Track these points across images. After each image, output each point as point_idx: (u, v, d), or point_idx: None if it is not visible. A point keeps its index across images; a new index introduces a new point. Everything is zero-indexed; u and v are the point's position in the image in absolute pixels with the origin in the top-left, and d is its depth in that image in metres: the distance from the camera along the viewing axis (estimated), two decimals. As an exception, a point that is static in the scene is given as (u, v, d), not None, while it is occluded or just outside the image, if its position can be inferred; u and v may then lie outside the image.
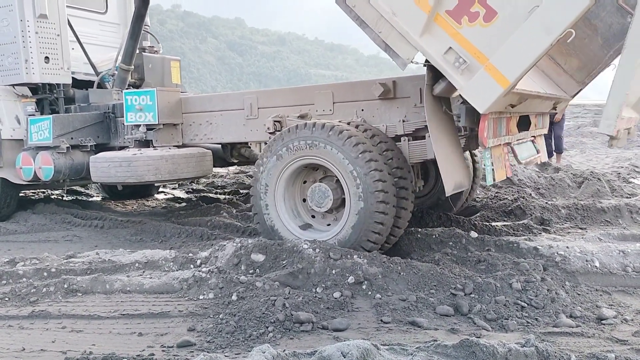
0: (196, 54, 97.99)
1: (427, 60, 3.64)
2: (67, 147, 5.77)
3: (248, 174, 9.44)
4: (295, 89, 5.04)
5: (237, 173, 9.74)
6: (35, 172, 5.78)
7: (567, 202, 6.07)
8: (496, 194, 6.88)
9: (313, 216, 4.45)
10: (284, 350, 2.44)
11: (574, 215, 5.70)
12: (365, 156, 3.96)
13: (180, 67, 7.67)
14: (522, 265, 3.81)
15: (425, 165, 4.98)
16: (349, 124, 4.23)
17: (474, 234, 4.68)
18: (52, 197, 7.96)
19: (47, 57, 5.99)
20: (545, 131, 5.54)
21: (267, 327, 3.02)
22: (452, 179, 3.83)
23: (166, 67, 7.34)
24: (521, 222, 5.43)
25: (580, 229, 5.35)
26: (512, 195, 6.73)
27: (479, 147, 3.95)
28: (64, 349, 2.87)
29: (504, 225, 5.34)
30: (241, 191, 8.13)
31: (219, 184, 8.96)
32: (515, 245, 4.35)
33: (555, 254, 4.05)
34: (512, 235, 4.98)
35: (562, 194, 7.01)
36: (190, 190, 8.60)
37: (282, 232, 4.32)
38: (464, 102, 3.67)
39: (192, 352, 2.80)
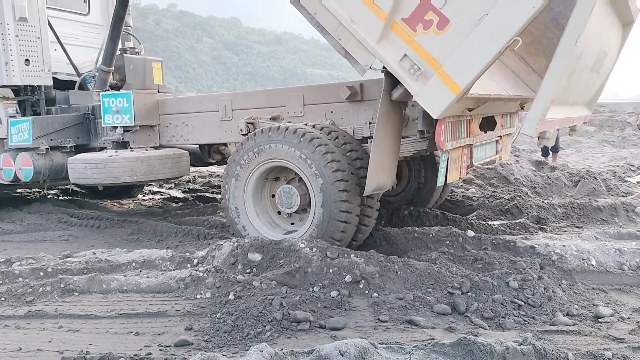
0: (192, 53, 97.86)
1: (384, 67, 3.70)
2: (47, 149, 5.81)
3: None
4: (268, 91, 5.16)
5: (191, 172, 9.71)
6: (15, 172, 5.82)
7: (564, 201, 6.09)
8: (493, 193, 6.89)
9: (279, 212, 4.57)
10: (282, 349, 2.43)
11: (570, 214, 5.71)
12: (327, 157, 4.06)
13: (163, 67, 7.65)
14: (519, 263, 3.82)
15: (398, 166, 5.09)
16: (314, 126, 4.34)
17: (470, 233, 4.69)
18: (49, 196, 7.94)
19: (27, 60, 6.01)
20: (514, 130, 5.59)
21: (265, 326, 3.01)
22: (375, 180, 3.94)
23: (147, 68, 7.33)
24: (518, 220, 5.44)
25: (577, 227, 5.37)
26: (509, 194, 6.75)
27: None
28: (61, 349, 2.86)
29: (500, 224, 5.35)
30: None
31: (216, 184, 8.95)
32: (512, 244, 4.36)
33: (552, 253, 4.06)
34: (508, 234, 4.99)
35: (558, 192, 7.03)
36: (187, 189, 8.58)
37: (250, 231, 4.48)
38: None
39: (190, 351, 2.80)
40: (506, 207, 5.94)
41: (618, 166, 9.31)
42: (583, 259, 3.97)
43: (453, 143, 3.96)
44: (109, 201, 7.79)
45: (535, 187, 7.17)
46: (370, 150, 4.20)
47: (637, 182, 7.58)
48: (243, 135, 4.71)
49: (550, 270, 3.86)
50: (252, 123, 4.75)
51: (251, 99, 5.11)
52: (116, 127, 5.54)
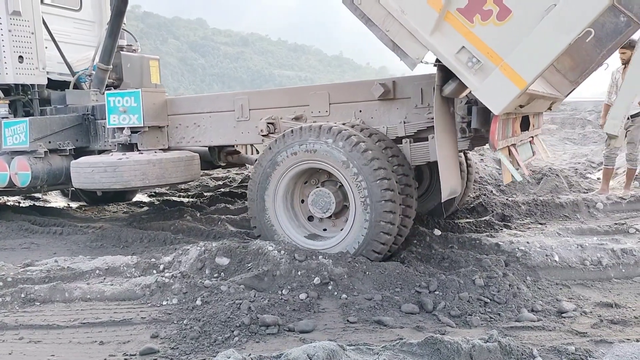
0: (157, 55, 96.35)
1: (437, 60, 3.52)
2: (45, 152, 5.50)
3: (212, 176, 9.33)
4: (289, 89, 4.89)
5: (201, 176, 9.60)
6: (10, 178, 5.49)
7: (527, 198, 6.22)
8: (459, 192, 6.97)
9: (309, 218, 4.36)
10: (250, 355, 2.41)
11: (533, 211, 5.84)
12: (374, 164, 3.85)
13: (160, 65, 7.40)
14: (484, 261, 3.88)
15: (418, 168, 4.83)
16: (353, 127, 4.12)
17: (437, 232, 4.75)
18: (9, 203, 7.70)
19: (21, 57, 5.73)
20: (540, 131, 5.45)
21: (233, 332, 2.98)
22: (449, 184, 3.75)
23: (145, 67, 7.07)
24: (483, 219, 5.53)
25: (540, 224, 5.49)
26: (474, 192, 6.85)
27: (488, 147, 3.85)
28: (22, 361, 2.78)
29: (466, 222, 5.42)
30: (205, 194, 8.03)
31: (182, 187, 8.83)
32: (477, 241, 4.43)
33: (516, 250, 4.14)
34: (474, 232, 5.06)
35: (522, 190, 7.17)
36: (152, 193, 8.44)
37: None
38: (474, 102, 3.59)
39: (156, 359, 2.75)
40: (472, 205, 6.03)
41: (579, 163, 9.54)
42: (546, 255, 4.05)
43: (503, 142, 3.79)
44: (72, 207, 7.60)
45: (499, 185, 7.30)
46: (412, 150, 4.10)
47: (598, 179, 7.79)
48: (263, 135, 4.52)
49: (515, 267, 3.94)
50: (272, 123, 4.55)
51: (271, 98, 4.85)
52: (122, 128, 5.19)
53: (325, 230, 4.33)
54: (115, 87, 6.58)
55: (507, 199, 6.22)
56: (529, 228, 5.33)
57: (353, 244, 3.94)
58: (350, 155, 3.89)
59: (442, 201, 3.86)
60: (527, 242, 4.28)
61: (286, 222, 4.25)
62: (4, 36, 5.59)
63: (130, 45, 7.23)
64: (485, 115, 3.56)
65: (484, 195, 6.54)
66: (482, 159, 8.98)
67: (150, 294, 3.54)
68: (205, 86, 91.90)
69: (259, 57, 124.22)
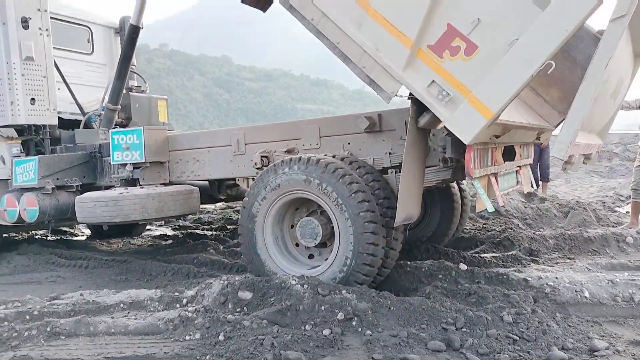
0: (183, 91, 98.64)
1: (411, 94, 3.69)
2: (53, 188, 5.70)
3: (235, 209, 9.38)
4: (282, 124, 5.06)
5: (224, 209, 9.68)
6: (19, 213, 5.69)
7: (555, 232, 6.09)
8: (484, 225, 6.89)
9: (297, 244, 4.45)
10: (273, 392, 2.37)
11: (561, 245, 5.71)
12: (352, 187, 3.96)
13: (168, 105, 7.67)
14: (512, 297, 3.79)
15: None
16: (340, 159, 4.24)
17: (463, 267, 4.66)
18: (37, 237, 7.84)
19: (33, 99, 5.97)
20: (531, 161, 5.59)
21: (256, 368, 2.94)
22: (406, 210, 3.86)
23: (153, 106, 7.35)
24: (510, 253, 5.42)
25: (569, 259, 5.36)
26: (500, 226, 6.75)
27: (466, 179, 3.95)
28: (45, 396, 2.77)
29: (493, 256, 5.33)
30: (228, 227, 8.07)
31: (206, 220, 8.89)
32: (504, 277, 4.33)
33: (545, 285, 4.04)
34: (501, 267, 4.96)
35: (549, 224, 7.05)
36: (176, 227, 8.51)
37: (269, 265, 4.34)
38: (449, 133, 3.69)
39: (179, 395, 2.72)
40: (498, 239, 5.93)
41: (607, 196, 9.37)
42: (576, 291, 3.94)
43: (481, 171, 3.91)
44: (97, 241, 7.69)
45: (526, 219, 7.19)
46: (398, 180, 4.15)
47: (627, 212, 7.62)
48: (257, 169, 4.64)
49: (544, 303, 3.83)
50: (266, 156, 4.68)
51: (265, 132, 5.03)
52: (125, 165, 5.45)
53: (311, 256, 4.43)
54: (124, 126, 6.83)
55: (534, 233, 6.10)
56: (558, 263, 5.21)
57: (337, 274, 4.02)
58: (336, 187, 3.99)
59: (394, 225, 3.94)
60: (556, 278, 4.17)
61: (274, 251, 4.35)
62: (17, 80, 5.87)
63: (139, 86, 7.57)
64: (461, 145, 3.64)
65: (510, 229, 6.44)
66: (507, 192, 8.87)
67: (173, 329, 3.53)
68: (230, 120, 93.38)
69: (282, 91, 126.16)
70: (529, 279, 4.20)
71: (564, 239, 5.80)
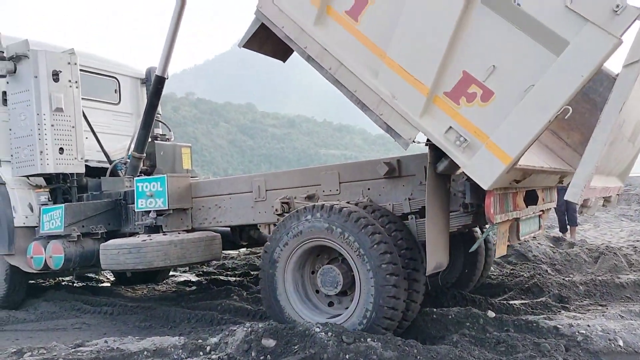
0: (208, 138, 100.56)
1: (428, 140, 3.70)
2: (78, 235, 5.78)
3: (258, 255, 9.38)
4: (302, 170, 5.09)
5: (248, 254, 9.68)
6: (45, 261, 5.76)
7: (585, 278, 5.94)
8: (512, 271, 6.75)
9: (317, 291, 4.37)
10: None
11: (592, 292, 5.55)
12: (375, 238, 3.90)
13: (192, 152, 7.78)
14: (543, 346, 3.68)
15: None
16: (363, 206, 4.20)
17: (491, 314, 4.55)
18: (63, 283, 7.92)
19: (61, 148, 6.14)
20: (554, 205, 5.50)
21: (279, 419, 2.88)
22: (435, 259, 3.79)
23: (177, 154, 7.46)
24: (539, 299, 5.28)
25: (601, 305, 5.20)
26: (528, 271, 6.60)
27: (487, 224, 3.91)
28: None
29: (521, 303, 5.19)
30: (252, 273, 8.05)
31: (230, 266, 8.89)
32: (534, 324, 4.21)
33: (577, 333, 3.91)
34: (530, 314, 4.83)
35: (578, 269, 6.87)
36: (200, 272, 8.53)
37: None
38: (468, 179, 3.68)
39: None
40: (526, 285, 5.79)
41: (638, 241, 9.13)
42: (609, 340, 3.81)
43: (502, 216, 3.87)
44: (122, 287, 7.74)
45: (554, 264, 7.02)
46: (418, 226, 4.14)
47: (660, 257, 7.39)
48: (278, 215, 4.65)
49: (576, 352, 3.71)
50: (287, 203, 4.70)
51: (285, 178, 5.03)
52: (149, 212, 5.53)
53: (331, 304, 4.35)
54: (149, 174, 6.92)
55: (563, 279, 5.95)
56: (589, 310, 5.05)
57: (357, 326, 3.93)
58: (358, 237, 3.93)
59: (427, 274, 3.87)
60: (588, 326, 4.05)
61: (295, 298, 4.29)
62: (47, 130, 6.04)
63: (164, 134, 7.71)
64: (480, 190, 3.60)
65: (539, 274, 6.29)
66: (534, 237, 8.72)
67: (196, 377, 3.49)
68: (254, 166, 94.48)
69: (305, 137, 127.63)
70: (560, 326, 4.08)
71: (595, 285, 5.65)
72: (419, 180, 4.34)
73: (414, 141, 3.72)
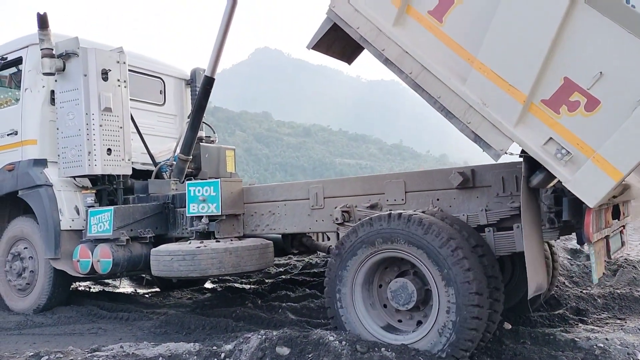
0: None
1: (522, 151, 3.45)
2: (127, 239, 5.63)
3: (276, 263, 9.37)
4: (363, 177, 4.87)
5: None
6: (92, 265, 5.62)
7: (603, 291, 5.85)
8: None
9: (385, 305, 4.15)
10: None
11: (611, 305, 5.47)
12: (458, 253, 3.65)
13: (235, 155, 7.64)
14: (560, 359, 3.63)
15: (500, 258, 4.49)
16: (440, 218, 3.95)
17: (508, 326, 4.51)
18: (80, 288, 8.00)
19: (109, 149, 6.02)
20: (630, 219, 5.10)
21: None
22: (536, 280, 3.51)
23: (222, 156, 7.32)
24: (556, 312, 5.21)
25: (619, 319, 5.12)
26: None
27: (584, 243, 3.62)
28: None
29: (538, 315, 5.13)
30: (266, 280, 8.06)
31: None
32: (551, 337, 4.17)
33: (595, 347, 3.87)
34: (547, 327, 4.78)
35: (596, 282, 6.77)
36: (215, 280, 8.55)
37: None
38: (562, 192, 3.48)
39: None
40: (543, 297, 5.72)
41: (657, 254, 8.97)
42: (628, 354, 3.76)
43: (597, 235, 3.56)
44: (138, 292, 7.79)
45: (572, 277, 6.92)
46: (496, 240, 3.93)
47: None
48: (338, 224, 4.50)
49: (594, 366, 3.65)
50: (347, 211, 4.53)
51: (345, 186, 4.81)
52: (201, 217, 5.30)
53: (400, 321, 4.10)
54: (194, 177, 6.76)
55: (581, 292, 5.86)
56: (607, 323, 4.97)
57: (433, 347, 3.69)
58: (439, 252, 3.69)
59: (529, 298, 3.60)
60: (606, 339, 4.00)
61: (363, 312, 4.07)
62: (95, 130, 5.92)
63: (209, 136, 7.53)
64: (577, 206, 3.39)
65: (556, 287, 6.20)
66: (621, 255, 8.62)
67: (212, 383, 3.49)
68: (269, 174, 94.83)
69: (321, 146, 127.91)
70: (578, 339, 4.04)
71: (614, 298, 5.56)
72: (495, 192, 4.08)
73: (506, 152, 3.46)
